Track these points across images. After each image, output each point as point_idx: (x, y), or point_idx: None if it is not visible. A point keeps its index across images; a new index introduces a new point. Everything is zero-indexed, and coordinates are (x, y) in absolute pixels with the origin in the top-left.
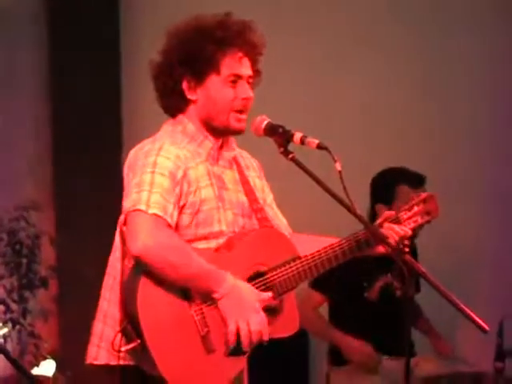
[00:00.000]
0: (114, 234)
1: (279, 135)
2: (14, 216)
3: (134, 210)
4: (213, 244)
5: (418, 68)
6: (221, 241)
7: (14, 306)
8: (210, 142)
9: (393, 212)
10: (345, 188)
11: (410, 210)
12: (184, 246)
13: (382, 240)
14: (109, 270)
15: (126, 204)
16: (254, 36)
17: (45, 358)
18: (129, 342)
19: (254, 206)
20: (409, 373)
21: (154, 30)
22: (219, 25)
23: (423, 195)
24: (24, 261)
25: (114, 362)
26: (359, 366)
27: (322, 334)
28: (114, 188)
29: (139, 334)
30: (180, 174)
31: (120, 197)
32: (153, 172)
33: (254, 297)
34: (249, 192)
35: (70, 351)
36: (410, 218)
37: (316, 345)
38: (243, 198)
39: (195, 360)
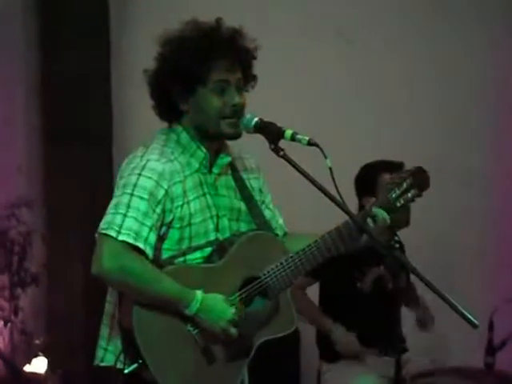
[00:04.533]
0: None
1: (270, 132)
2: (5, 214)
3: (105, 234)
4: (207, 252)
5: (412, 64)
6: (215, 247)
7: (5, 304)
8: (202, 152)
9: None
10: (335, 184)
11: (398, 187)
12: (146, 270)
13: (371, 236)
14: None
15: (101, 224)
16: (243, 43)
17: (36, 356)
18: (131, 360)
19: (253, 211)
20: (400, 368)
21: (145, 25)
22: (206, 36)
23: (411, 169)
24: (15, 258)
25: (119, 366)
26: (342, 352)
27: (308, 315)
28: (105, 185)
29: (139, 355)
30: (161, 192)
31: (111, 194)
32: (131, 194)
33: (225, 306)
34: (246, 196)
35: (61, 348)
36: (400, 195)
37: (308, 340)
38: (239, 204)
39: (198, 373)
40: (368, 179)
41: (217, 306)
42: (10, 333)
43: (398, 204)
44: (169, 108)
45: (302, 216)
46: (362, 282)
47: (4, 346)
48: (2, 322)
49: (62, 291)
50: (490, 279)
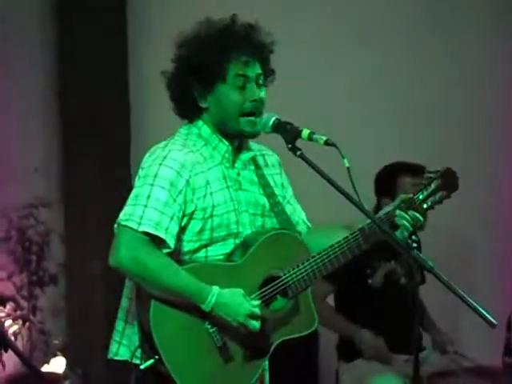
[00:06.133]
0: None
1: (287, 132)
2: (24, 213)
3: (125, 226)
4: (230, 245)
5: (418, 60)
6: (237, 241)
7: (23, 303)
8: (224, 145)
9: (409, 195)
10: (353, 184)
11: (426, 188)
12: (162, 263)
13: (390, 237)
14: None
15: (121, 215)
16: (260, 37)
17: (55, 355)
18: (147, 356)
19: (275, 209)
20: (418, 367)
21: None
22: (223, 32)
23: (440, 170)
24: (33, 258)
25: (135, 361)
26: (370, 358)
27: (332, 325)
28: (124, 185)
29: (156, 351)
30: (182, 182)
31: (129, 194)
32: (152, 184)
33: (243, 299)
34: (269, 193)
35: (80, 348)
36: (427, 197)
37: (326, 340)
38: (263, 199)
39: (214, 371)
40: (387, 181)
41: (234, 300)
42: (29, 332)
43: (425, 206)
44: (189, 107)
45: (316, 216)
46: (373, 278)
47: (23, 345)
48: (21, 322)
49: (81, 291)
50: (507, 279)
